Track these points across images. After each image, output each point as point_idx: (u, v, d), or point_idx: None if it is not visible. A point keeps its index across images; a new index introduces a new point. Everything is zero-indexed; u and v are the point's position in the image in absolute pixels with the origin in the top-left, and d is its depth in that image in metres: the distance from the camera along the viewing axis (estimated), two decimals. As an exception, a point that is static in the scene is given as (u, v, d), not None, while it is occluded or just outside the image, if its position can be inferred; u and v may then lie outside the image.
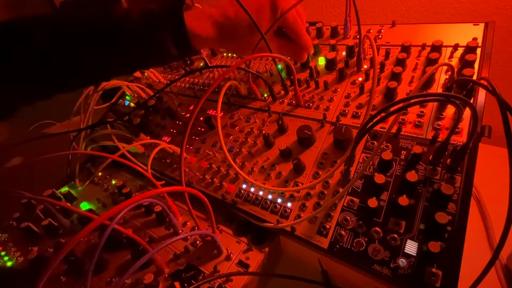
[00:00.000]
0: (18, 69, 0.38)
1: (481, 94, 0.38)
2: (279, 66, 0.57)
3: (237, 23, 0.44)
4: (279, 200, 0.42)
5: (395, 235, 0.33)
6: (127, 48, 0.41)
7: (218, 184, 0.48)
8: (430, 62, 0.44)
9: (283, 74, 0.55)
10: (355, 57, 0.49)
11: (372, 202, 0.34)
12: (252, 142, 0.50)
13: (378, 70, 0.47)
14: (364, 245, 0.34)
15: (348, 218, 0.36)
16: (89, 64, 0.41)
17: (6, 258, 0.51)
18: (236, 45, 0.49)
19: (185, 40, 0.43)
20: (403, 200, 0.33)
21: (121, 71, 0.48)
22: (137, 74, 0.79)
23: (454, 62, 0.43)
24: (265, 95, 0.56)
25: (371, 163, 0.39)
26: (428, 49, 0.46)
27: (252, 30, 0.43)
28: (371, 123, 0.29)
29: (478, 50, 0.42)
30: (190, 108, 0.64)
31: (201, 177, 0.50)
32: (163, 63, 0.49)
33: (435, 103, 0.41)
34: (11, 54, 0.37)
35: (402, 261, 0.31)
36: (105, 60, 0.42)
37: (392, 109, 0.28)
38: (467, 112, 0.38)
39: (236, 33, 0.46)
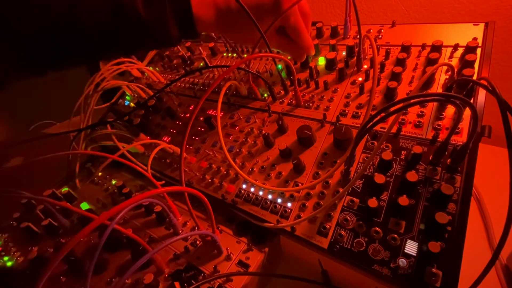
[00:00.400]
0: (16, 42, 0.36)
1: (481, 94, 0.38)
2: (279, 66, 0.57)
3: (238, 14, 0.43)
4: (279, 200, 0.42)
5: (395, 235, 0.33)
6: (130, 30, 0.41)
7: (218, 184, 0.48)
8: (430, 62, 0.44)
9: (283, 74, 0.55)
10: (355, 57, 0.49)
11: (372, 202, 0.34)
12: (252, 142, 0.50)
13: (378, 70, 0.47)
14: (364, 245, 0.34)
15: (348, 218, 0.36)
16: (90, 42, 0.41)
17: (6, 258, 0.51)
18: (237, 36, 0.49)
19: (190, 25, 0.43)
20: (403, 200, 0.33)
21: (120, 53, 0.48)
22: (137, 74, 0.79)
23: (454, 62, 0.43)
24: (265, 95, 0.56)
25: (371, 163, 0.39)
26: (428, 49, 0.46)
27: (252, 24, 0.43)
28: (371, 123, 0.29)
29: (478, 50, 0.42)
30: (190, 108, 0.64)
31: (201, 177, 0.50)
32: (164, 46, 0.49)
33: (435, 103, 0.41)
34: (10, 24, 0.35)
35: (402, 261, 0.31)
36: (106, 39, 0.41)
37: (392, 109, 0.28)
38: (467, 112, 0.38)
39: (236, 25, 0.46)
